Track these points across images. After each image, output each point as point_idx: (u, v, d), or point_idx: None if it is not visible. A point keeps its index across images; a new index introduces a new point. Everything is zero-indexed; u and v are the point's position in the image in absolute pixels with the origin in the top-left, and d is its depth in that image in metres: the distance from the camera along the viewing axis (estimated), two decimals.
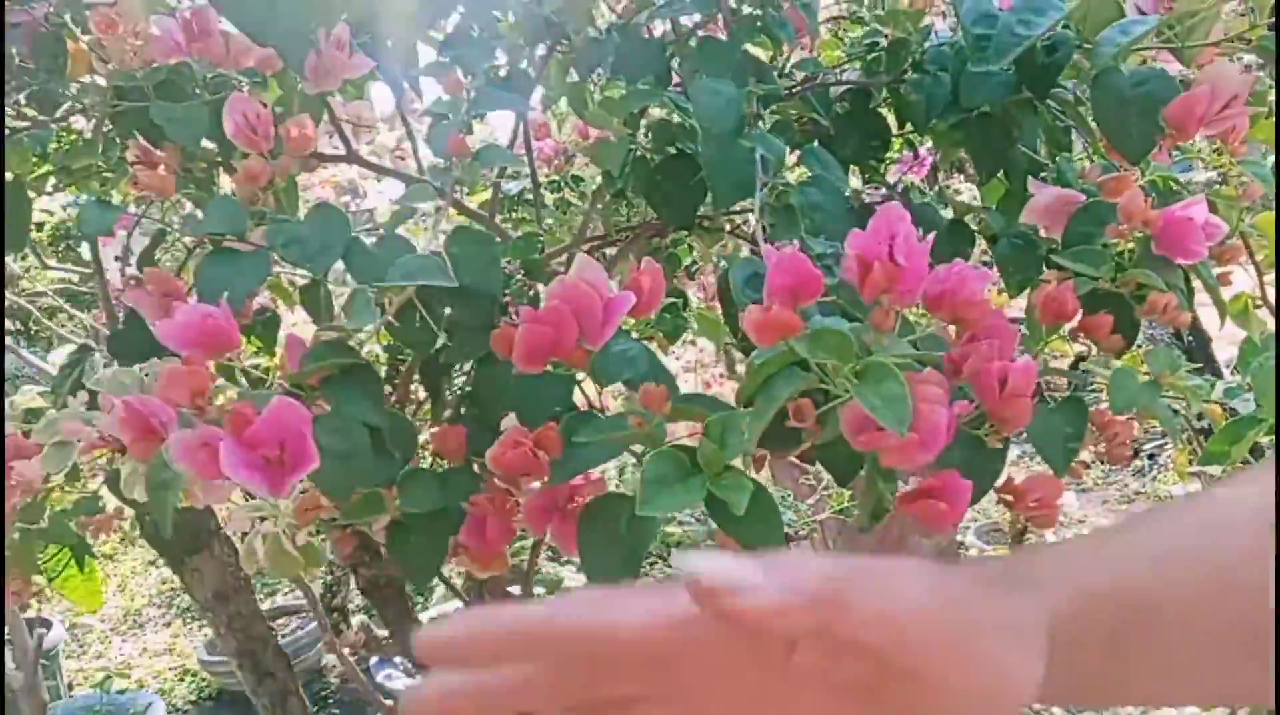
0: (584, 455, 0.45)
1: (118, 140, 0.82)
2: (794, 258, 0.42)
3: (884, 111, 0.85)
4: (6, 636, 2.19)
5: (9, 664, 2.18)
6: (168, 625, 3.50)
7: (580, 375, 0.54)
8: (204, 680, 2.94)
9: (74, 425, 0.57)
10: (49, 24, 0.73)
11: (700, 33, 0.84)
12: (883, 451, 0.39)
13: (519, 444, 0.45)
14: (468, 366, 0.71)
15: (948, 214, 0.81)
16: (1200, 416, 0.75)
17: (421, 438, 0.66)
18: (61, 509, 0.67)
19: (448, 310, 0.59)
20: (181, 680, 3.01)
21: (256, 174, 0.66)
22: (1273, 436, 0.62)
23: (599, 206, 0.93)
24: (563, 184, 1.16)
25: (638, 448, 0.47)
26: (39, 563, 0.66)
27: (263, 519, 0.58)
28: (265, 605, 3.02)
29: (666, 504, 0.40)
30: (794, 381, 0.40)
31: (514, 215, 1.19)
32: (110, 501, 0.82)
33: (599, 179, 1.04)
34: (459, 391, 0.65)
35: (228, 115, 0.61)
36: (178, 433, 0.41)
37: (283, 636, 2.84)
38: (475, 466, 0.54)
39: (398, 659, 2.20)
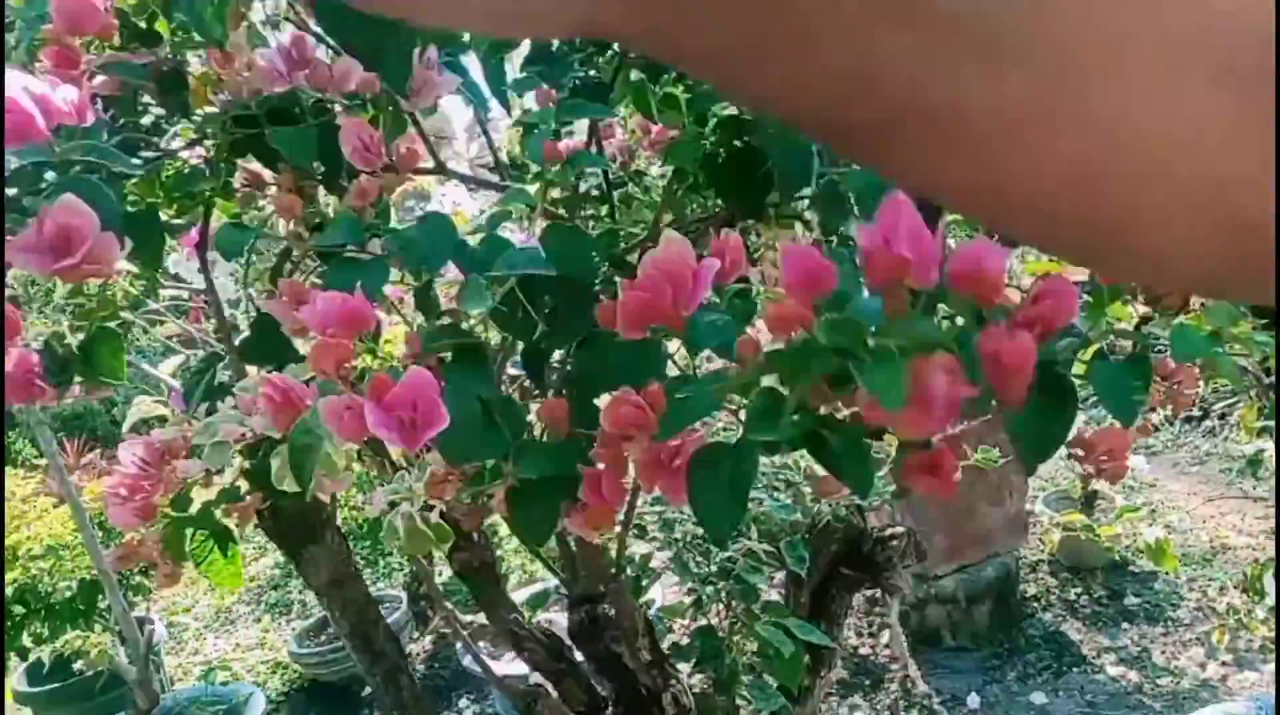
0: (687, 408, 0.50)
1: (222, 165, 0.90)
2: (805, 253, 0.44)
3: None
4: (118, 629, 2.33)
5: (122, 658, 2.33)
6: (257, 621, 3.66)
7: (672, 349, 0.59)
8: (295, 672, 3.08)
9: (231, 427, 0.64)
10: (171, 62, 0.81)
11: None
12: (895, 425, 0.42)
13: (629, 402, 0.51)
14: (560, 352, 0.77)
15: None
16: (1269, 372, 0.77)
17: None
18: (206, 501, 0.74)
19: (547, 299, 0.65)
20: (274, 673, 3.16)
21: (369, 190, 0.73)
22: None
23: (670, 199, 0.98)
24: (628, 179, 1.21)
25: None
26: (188, 549, 0.74)
27: (394, 504, 0.65)
28: None
29: (770, 431, 0.45)
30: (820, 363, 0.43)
31: (583, 212, 1.25)
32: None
33: (664, 174, 1.09)
34: (557, 376, 0.71)
35: (345, 138, 0.68)
36: (325, 398, 0.47)
37: None
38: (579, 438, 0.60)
39: (482, 644, 2.29)
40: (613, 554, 1.02)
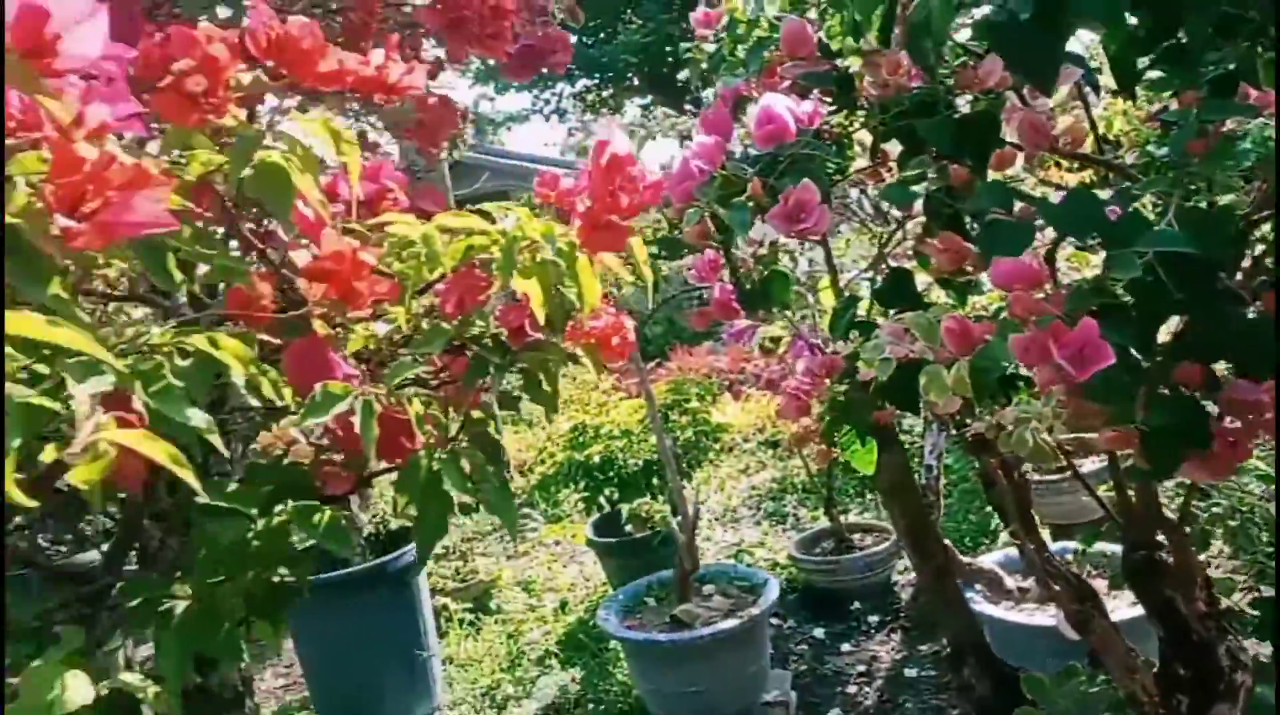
0: None
1: (843, 147, 1.13)
2: None
3: None
4: (670, 502, 2.90)
5: (674, 524, 2.89)
6: (757, 524, 4.21)
7: None
8: (792, 574, 3.49)
9: (896, 348, 0.87)
10: (844, 70, 1.06)
11: None
12: None
13: None
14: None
15: None
16: None
17: None
18: (851, 400, 1.01)
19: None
20: (773, 570, 3.62)
21: (1007, 159, 0.90)
22: None
23: None
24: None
25: None
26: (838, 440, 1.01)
27: (1017, 424, 0.82)
28: (853, 518, 3.47)
29: None
30: None
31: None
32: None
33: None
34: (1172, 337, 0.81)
35: (1018, 125, 0.86)
36: (1013, 337, 0.65)
37: (860, 549, 3.25)
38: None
39: (977, 586, 2.41)
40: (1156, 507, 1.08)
